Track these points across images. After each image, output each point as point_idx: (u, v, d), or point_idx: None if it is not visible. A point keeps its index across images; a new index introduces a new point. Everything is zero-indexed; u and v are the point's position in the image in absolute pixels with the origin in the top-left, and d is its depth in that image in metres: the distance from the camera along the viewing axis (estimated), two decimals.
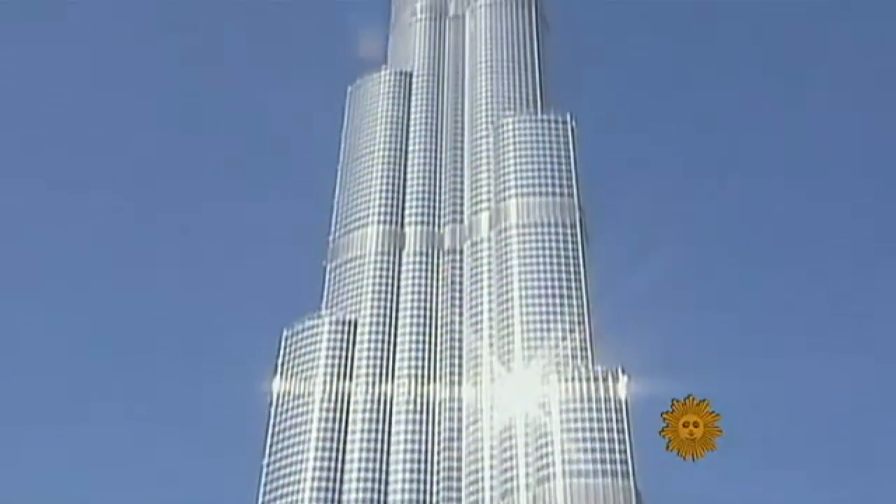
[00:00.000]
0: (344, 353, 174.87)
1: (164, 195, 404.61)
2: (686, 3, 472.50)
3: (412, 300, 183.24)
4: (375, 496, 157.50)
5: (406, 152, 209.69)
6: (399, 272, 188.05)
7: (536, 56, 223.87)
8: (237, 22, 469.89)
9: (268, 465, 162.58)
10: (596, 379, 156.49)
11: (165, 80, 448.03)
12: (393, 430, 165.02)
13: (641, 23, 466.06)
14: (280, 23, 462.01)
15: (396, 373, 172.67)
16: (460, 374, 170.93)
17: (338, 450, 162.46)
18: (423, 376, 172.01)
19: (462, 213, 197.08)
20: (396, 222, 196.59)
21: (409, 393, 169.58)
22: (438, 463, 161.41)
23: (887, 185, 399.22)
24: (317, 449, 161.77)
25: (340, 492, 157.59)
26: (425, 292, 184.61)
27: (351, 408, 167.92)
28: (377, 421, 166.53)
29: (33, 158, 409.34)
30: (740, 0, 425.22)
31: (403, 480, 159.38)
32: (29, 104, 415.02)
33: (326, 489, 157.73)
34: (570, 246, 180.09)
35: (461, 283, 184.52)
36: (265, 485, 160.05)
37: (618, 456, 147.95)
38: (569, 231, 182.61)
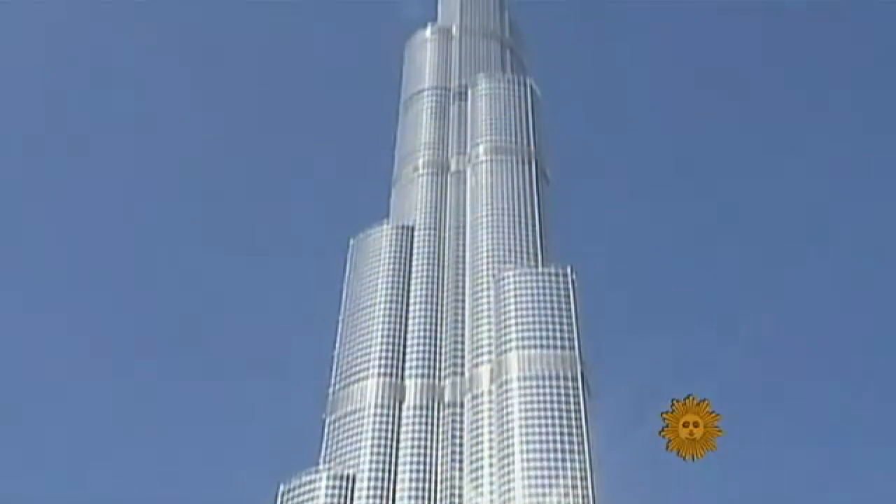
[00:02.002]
0: None
1: (163, 351, 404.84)
2: (686, 153, 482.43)
3: (412, 454, 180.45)
4: None
5: (407, 305, 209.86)
6: (399, 426, 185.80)
7: (536, 210, 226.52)
8: (240, 175, 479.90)
9: None
10: None
11: (172, 229, 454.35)
12: None
13: (641, 175, 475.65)
14: (284, 175, 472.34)
15: None
16: None
17: None
18: None
19: (463, 366, 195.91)
20: (396, 375, 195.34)
21: None
22: None
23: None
24: None
25: None
26: (425, 446, 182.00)
27: None
28: None
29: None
30: (738, 158, 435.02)
31: None
32: None
33: None
34: (571, 400, 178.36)
35: (461, 437, 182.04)
36: None
37: None
38: (570, 384, 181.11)
